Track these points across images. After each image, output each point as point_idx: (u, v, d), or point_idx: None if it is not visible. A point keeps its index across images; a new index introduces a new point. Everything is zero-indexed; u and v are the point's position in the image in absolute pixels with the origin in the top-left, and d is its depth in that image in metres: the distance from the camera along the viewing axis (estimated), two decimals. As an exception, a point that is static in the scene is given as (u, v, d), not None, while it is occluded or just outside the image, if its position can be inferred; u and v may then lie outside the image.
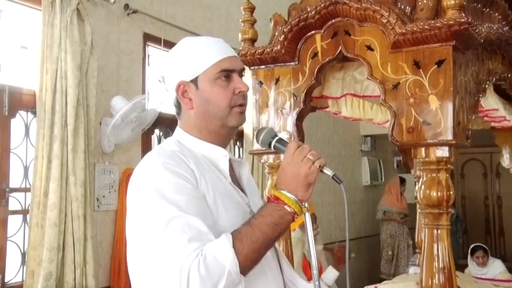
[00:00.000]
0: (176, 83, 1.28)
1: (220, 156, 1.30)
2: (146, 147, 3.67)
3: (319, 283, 1.26)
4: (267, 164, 2.10)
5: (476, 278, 2.59)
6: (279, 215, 1.17)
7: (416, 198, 3.06)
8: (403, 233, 6.56)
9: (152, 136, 3.79)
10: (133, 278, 1.22)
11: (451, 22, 1.67)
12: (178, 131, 1.34)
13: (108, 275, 3.29)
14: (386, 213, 6.53)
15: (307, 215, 1.25)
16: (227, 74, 1.27)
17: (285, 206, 1.18)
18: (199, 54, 1.27)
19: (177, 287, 1.07)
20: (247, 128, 3.98)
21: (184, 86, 1.28)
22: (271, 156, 2.07)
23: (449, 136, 1.71)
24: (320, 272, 2.86)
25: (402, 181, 6.80)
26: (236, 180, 1.35)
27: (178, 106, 1.33)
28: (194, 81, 1.27)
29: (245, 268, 1.12)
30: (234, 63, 1.29)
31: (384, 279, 2.50)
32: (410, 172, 3.57)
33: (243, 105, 1.30)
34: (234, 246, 1.10)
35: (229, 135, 1.34)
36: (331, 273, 3.05)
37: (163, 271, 1.09)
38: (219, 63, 1.26)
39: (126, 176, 3.41)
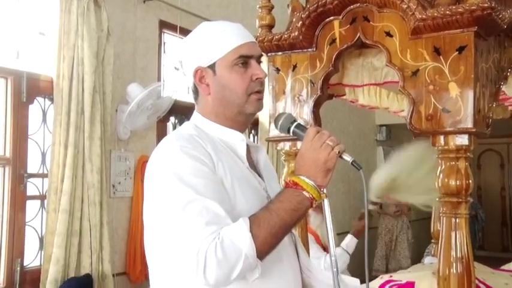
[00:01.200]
0: (194, 68, 1.28)
1: (237, 140, 1.29)
2: (161, 134, 3.68)
3: (337, 270, 1.24)
4: (283, 151, 2.08)
5: (494, 269, 2.56)
6: (297, 200, 1.17)
7: (433, 187, 3.05)
8: (403, 227, 6.10)
9: (167, 123, 3.81)
10: (150, 261, 1.23)
11: (473, 7, 1.63)
12: (195, 115, 1.34)
13: (123, 260, 3.33)
14: (382, 205, 5.92)
15: (326, 201, 1.24)
16: (245, 60, 1.26)
17: (304, 192, 1.17)
18: (217, 39, 1.26)
19: (194, 270, 1.07)
20: (263, 115, 3.97)
21: (201, 71, 1.27)
22: (288, 144, 2.05)
23: (469, 124, 1.68)
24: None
25: None
26: (253, 165, 1.34)
27: (195, 91, 1.33)
28: (212, 66, 1.26)
29: (262, 253, 1.12)
30: (252, 49, 1.28)
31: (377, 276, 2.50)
32: (427, 161, 3.52)
33: (260, 92, 1.29)
34: (251, 231, 1.10)
35: (246, 121, 1.34)
36: (351, 241, 3.10)
37: (181, 254, 1.10)
38: (237, 49, 1.25)
39: (142, 163, 3.44)
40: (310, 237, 2.67)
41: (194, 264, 1.07)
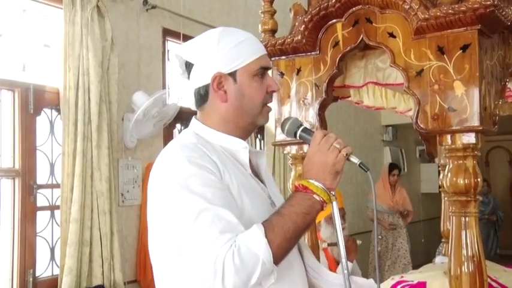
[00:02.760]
0: (212, 73, 1.24)
1: (240, 147, 1.28)
2: (168, 141, 3.58)
3: (348, 272, 1.25)
4: (290, 155, 2.08)
5: (506, 266, 2.54)
6: (308, 204, 1.17)
7: (440, 187, 3.04)
8: (399, 236, 5.21)
9: (174, 131, 3.82)
10: (157, 271, 1.22)
11: (476, 5, 1.63)
12: (195, 123, 1.31)
13: (134, 268, 3.33)
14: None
15: (335, 204, 1.23)
16: (263, 71, 1.27)
17: (314, 195, 1.17)
18: (240, 47, 1.25)
19: (212, 279, 1.06)
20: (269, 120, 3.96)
21: (220, 77, 1.25)
22: (294, 147, 2.05)
23: (475, 122, 1.67)
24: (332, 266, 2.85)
25: (392, 168, 5.41)
26: (255, 172, 1.34)
27: (203, 97, 1.28)
28: (233, 74, 1.25)
29: (278, 258, 1.12)
30: (268, 62, 1.30)
31: None
32: (434, 161, 3.50)
33: (269, 104, 1.31)
34: (266, 236, 1.10)
35: (252, 131, 1.35)
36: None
37: (197, 264, 1.09)
38: (259, 59, 1.26)
39: (149, 170, 3.42)
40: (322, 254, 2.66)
41: (212, 273, 1.06)
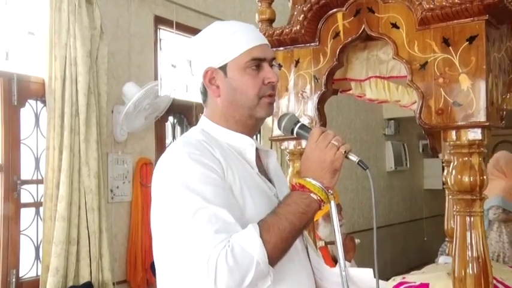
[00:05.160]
0: (204, 69, 1.26)
1: (247, 145, 1.28)
2: (160, 135, 3.61)
3: (345, 272, 1.23)
4: (287, 150, 2.04)
5: (512, 267, 2.52)
6: (305, 203, 1.15)
7: (444, 183, 2.99)
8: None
9: (166, 124, 3.73)
10: (159, 269, 1.22)
11: (484, -5, 1.57)
12: (203, 119, 1.32)
13: (124, 268, 3.26)
14: (505, 210, 4.09)
15: (333, 203, 1.22)
16: (258, 63, 1.24)
17: (311, 194, 1.16)
18: (230, 40, 1.24)
19: (205, 278, 1.06)
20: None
21: (212, 72, 1.26)
22: (292, 143, 2.01)
23: (482, 117, 1.62)
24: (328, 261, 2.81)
25: None
26: (263, 171, 1.33)
27: (204, 93, 1.30)
28: (223, 68, 1.25)
29: (273, 259, 1.11)
30: (265, 52, 1.27)
31: None
32: (438, 156, 3.43)
33: (272, 96, 1.27)
34: (261, 236, 1.09)
35: (256, 126, 1.32)
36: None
37: (190, 263, 1.08)
38: (250, 51, 1.24)
39: (140, 165, 3.36)
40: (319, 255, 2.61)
41: (205, 273, 1.05)
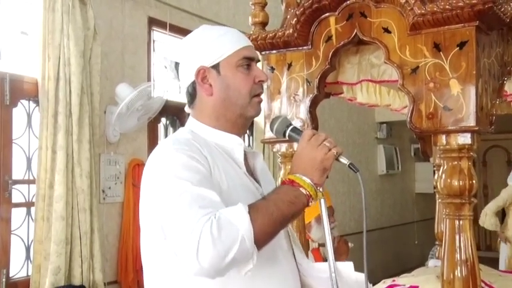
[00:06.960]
0: (196, 68, 1.27)
1: (235, 144, 1.29)
2: (152, 136, 3.60)
3: (335, 274, 1.25)
4: (279, 153, 2.04)
5: (501, 271, 2.53)
6: (294, 194, 1.17)
7: (435, 187, 3.01)
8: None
9: (159, 125, 3.72)
10: (145, 263, 1.23)
11: (474, 1, 1.60)
12: (191, 120, 1.34)
13: (115, 268, 3.24)
14: None
15: (323, 201, 1.24)
16: (248, 62, 1.28)
17: (300, 188, 1.17)
18: (221, 40, 1.28)
19: (188, 251, 1.04)
20: (258, 116, 3.89)
21: (204, 71, 1.27)
22: (284, 145, 2.02)
23: (471, 122, 1.64)
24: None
25: None
26: (250, 171, 1.34)
27: (192, 94, 1.31)
28: (216, 66, 1.27)
29: (259, 240, 1.09)
30: (253, 53, 1.32)
31: None
32: (429, 160, 3.45)
33: (260, 95, 1.31)
34: (249, 213, 1.08)
35: (245, 125, 1.35)
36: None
37: (175, 238, 1.08)
38: (240, 50, 1.28)
39: (132, 166, 3.35)
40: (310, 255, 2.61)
41: (187, 245, 1.03)
